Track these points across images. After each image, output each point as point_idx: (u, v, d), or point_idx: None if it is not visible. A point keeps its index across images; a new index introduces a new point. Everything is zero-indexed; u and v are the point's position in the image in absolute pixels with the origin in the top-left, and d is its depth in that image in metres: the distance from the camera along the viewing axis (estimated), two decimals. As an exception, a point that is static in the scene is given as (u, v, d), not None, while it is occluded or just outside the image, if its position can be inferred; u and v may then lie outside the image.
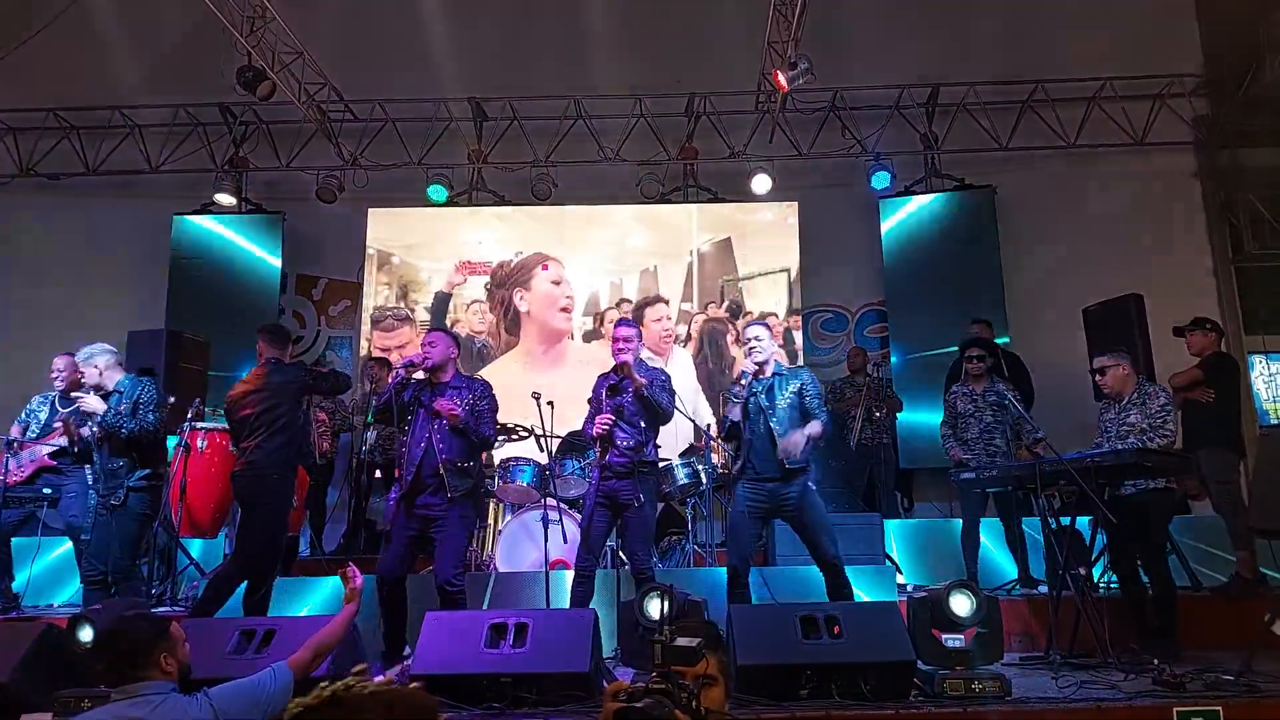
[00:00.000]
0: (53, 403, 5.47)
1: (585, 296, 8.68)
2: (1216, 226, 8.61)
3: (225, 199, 8.74)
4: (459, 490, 4.23)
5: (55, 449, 5.28)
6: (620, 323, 4.73)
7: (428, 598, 4.30)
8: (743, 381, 4.41)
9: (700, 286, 8.66)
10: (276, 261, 8.71)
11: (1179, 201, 8.62)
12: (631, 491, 4.40)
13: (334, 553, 6.91)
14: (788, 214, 8.65)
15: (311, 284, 9.15)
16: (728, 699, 1.96)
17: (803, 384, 4.42)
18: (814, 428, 4.28)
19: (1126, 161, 8.60)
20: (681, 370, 8.28)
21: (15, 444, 5.34)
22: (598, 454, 4.66)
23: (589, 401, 4.75)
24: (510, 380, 7.47)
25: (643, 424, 4.55)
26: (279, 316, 8.78)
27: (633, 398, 4.53)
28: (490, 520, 6.22)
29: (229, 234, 8.76)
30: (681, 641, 1.69)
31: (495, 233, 8.85)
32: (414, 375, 4.47)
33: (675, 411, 4.69)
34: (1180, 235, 8.50)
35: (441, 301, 8.71)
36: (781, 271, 8.61)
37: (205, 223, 8.79)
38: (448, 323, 8.51)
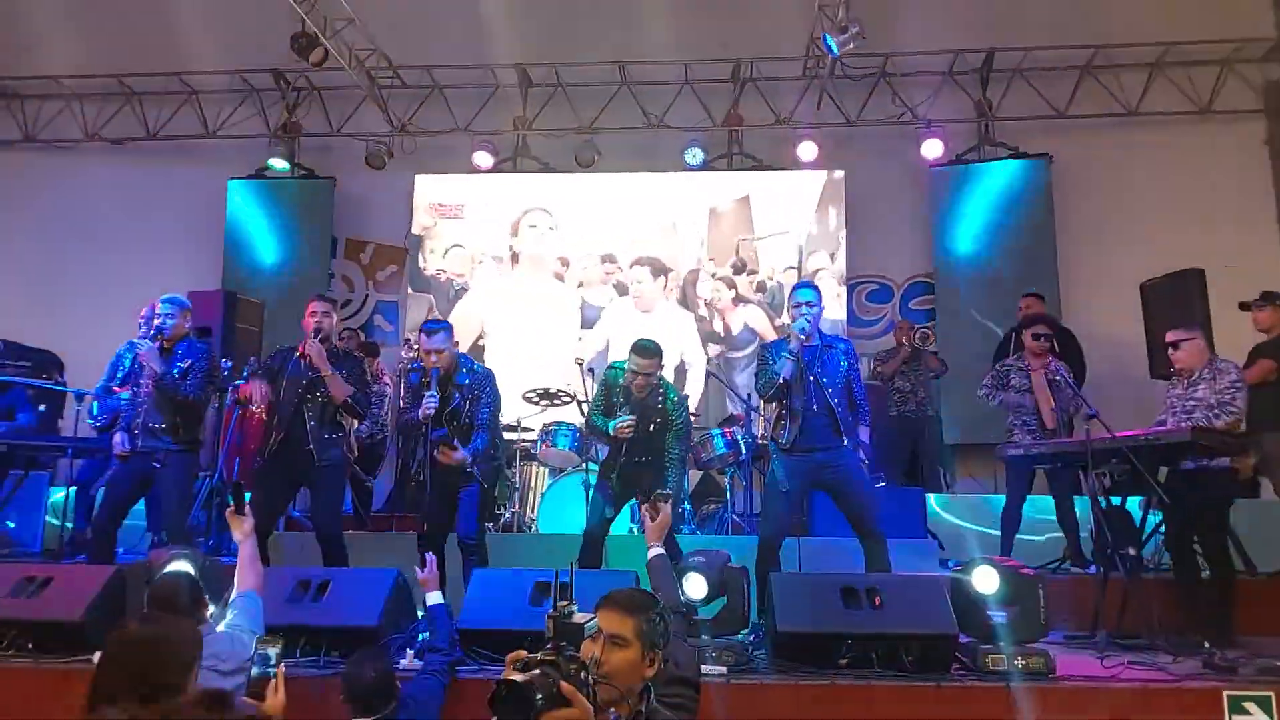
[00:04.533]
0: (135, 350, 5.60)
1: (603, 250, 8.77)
2: (1286, 197, 8.27)
3: (279, 164, 8.88)
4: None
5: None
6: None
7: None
8: (793, 346, 4.26)
9: (715, 245, 8.65)
10: (327, 225, 8.85)
11: (1245, 172, 8.27)
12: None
13: (379, 510, 7.09)
14: (811, 179, 8.56)
15: (360, 248, 9.28)
16: (651, 665, 1.98)
17: (851, 360, 4.38)
18: (864, 432, 4.36)
19: (1190, 130, 8.28)
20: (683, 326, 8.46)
21: (97, 394, 5.52)
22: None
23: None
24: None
25: None
26: (328, 280, 8.94)
27: None
28: (535, 482, 6.31)
29: (282, 198, 8.90)
30: (575, 617, 1.71)
31: (533, 197, 8.88)
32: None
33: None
34: (1246, 207, 8.18)
35: (413, 245, 8.84)
36: (791, 233, 8.55)
37: (259, 187, 8.94)
38: (420, 266, 8.76)
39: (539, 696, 1.50)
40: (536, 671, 1.56)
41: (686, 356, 8.36)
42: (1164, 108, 8.27)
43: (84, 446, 5.84)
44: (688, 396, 7.62)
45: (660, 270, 8.64)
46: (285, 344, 4.87)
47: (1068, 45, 8.23)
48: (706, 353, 8.41)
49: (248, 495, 3.15)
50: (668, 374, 5.29)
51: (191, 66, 8.90)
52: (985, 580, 3.59)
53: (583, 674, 1.62)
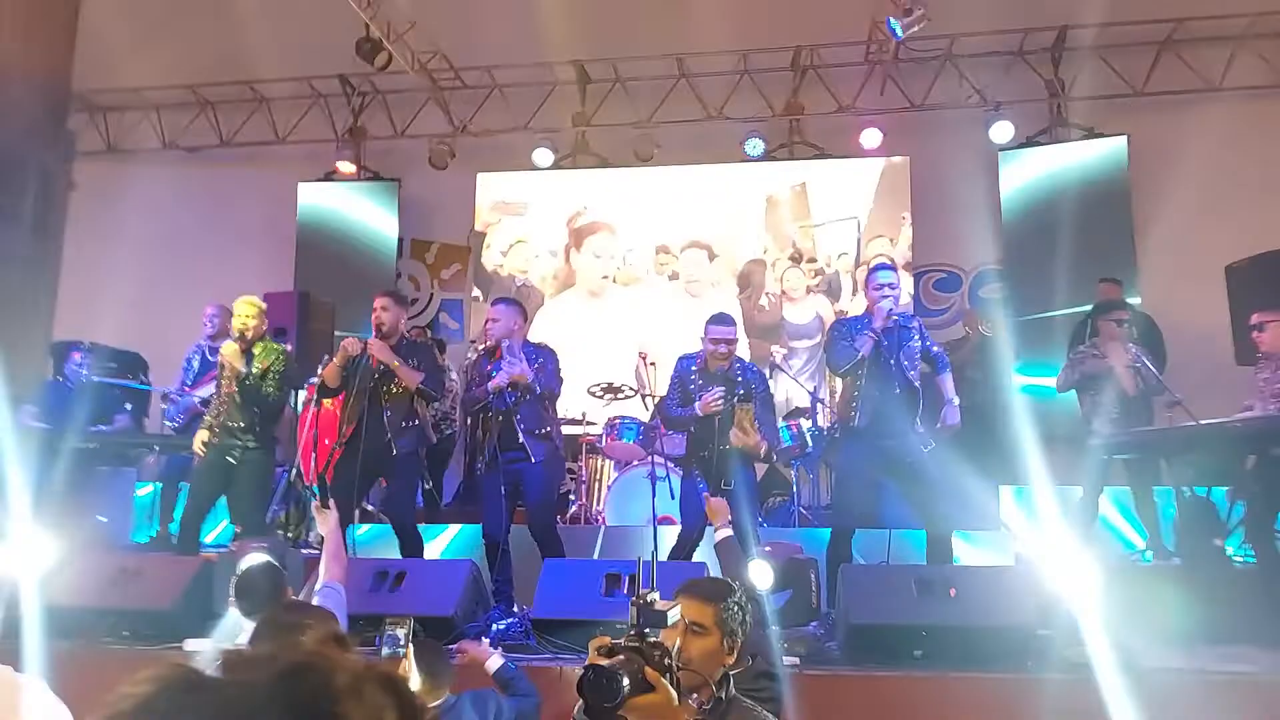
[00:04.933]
0: (204, 352, 5.84)
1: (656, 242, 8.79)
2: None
3: (346, 167, 9.12)
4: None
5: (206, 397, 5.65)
6: None
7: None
8: (878, 324, 4.20)
9: (775, 232, 8.56)
10: (393, 226, 9.05)
11: (1334, 146, 7.87)
12: None
13: (450, 504, 7.22)
14: (869, 165, 8.44)
15: (425, 248, 9.46)
16: (731, 653, 2.00)
17: (923, 337, 4.33)
18: (950, 389, 4.30)
19: (1275, 104, 7.90)
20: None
21: (174, 395, 5.75)
22: None
23: None
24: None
25: None
26: (395, 280, 9.15)
27: None
28: (600, 475, 6.36)
29: (349, 200, 9.14)
30: (658, 605, 1.72)
31: (592, 193, 8.94)
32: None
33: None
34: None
35: (476, 240, 8.91)
36: (851, 219, 8.38)
37: (328, 190, 9.20)
38: (484, 262, 8.86)
39: (625, 681, 1.52)
40: (621, 657, 1.58)
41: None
42: (1247, 82, 7.90)
43: (170, 443, 6.10)
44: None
45: (713, 255, 8.61)
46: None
47: (1146, 20, 7.92)
48: (751, 343, 8.36)
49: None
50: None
51: (261, 75, 9.18)
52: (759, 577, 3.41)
53: (666, 660, 1.64)
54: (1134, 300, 7.07)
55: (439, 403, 5.05)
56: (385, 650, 2.25)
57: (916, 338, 4.29)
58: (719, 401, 4.37)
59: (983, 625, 3.37)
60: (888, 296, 4.21)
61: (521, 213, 9.01)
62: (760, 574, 3.79)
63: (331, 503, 3.13)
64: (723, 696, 1.94)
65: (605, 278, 8.80)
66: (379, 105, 9.39)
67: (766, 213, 8.62)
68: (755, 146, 8.49)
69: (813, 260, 8.47)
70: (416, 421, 4.69)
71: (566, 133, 8.94)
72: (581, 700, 1.56)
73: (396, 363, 4.56)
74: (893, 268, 4.42)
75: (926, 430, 4.20)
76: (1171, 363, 6.34)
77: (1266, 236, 6.45)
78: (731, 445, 4.35)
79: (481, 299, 8.67)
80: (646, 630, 1.66)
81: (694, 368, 4.62)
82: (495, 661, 2.99)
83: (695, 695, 1.86)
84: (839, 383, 4.72)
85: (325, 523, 3.10)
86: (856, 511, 4.26)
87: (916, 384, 4.15)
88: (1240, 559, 4.58)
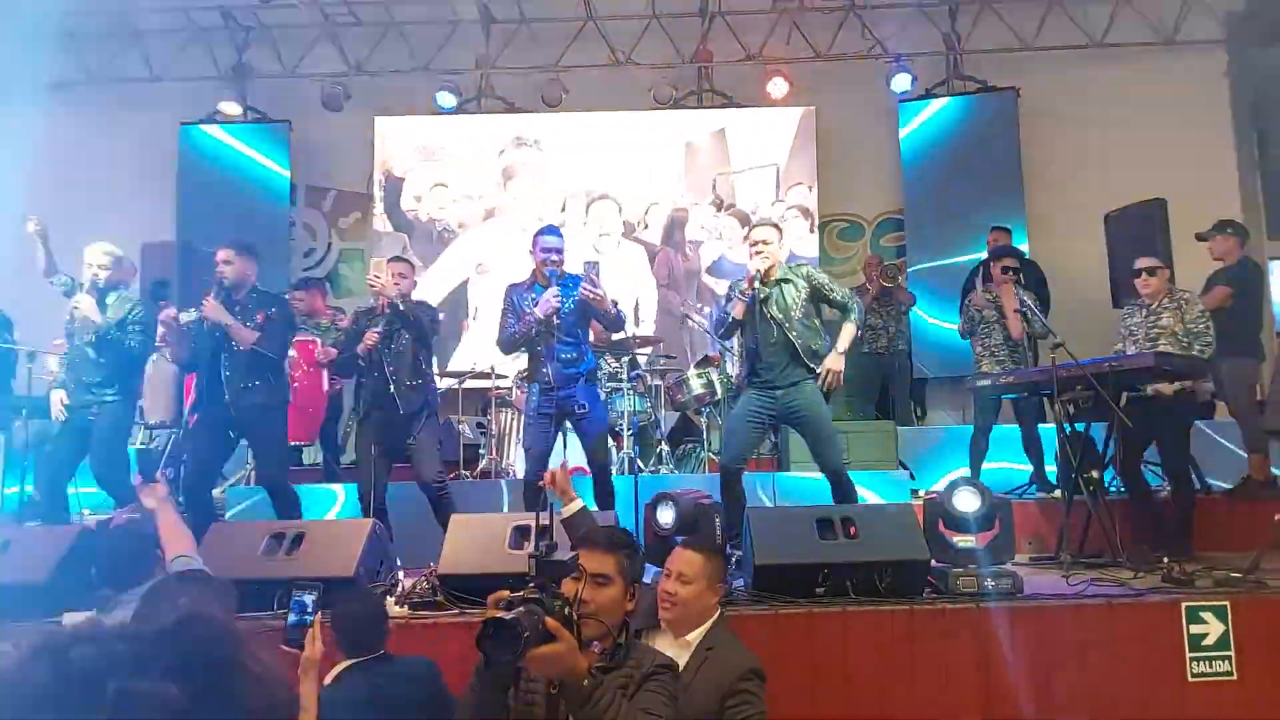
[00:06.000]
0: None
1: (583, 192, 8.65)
2: (1244, 129, 8.36)
3: (230, 108, 8.57)
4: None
5: None
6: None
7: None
8: (748, 285, 4.25)
9: (691, 180, 8.57)
10: (285, 172, 8.61)
11: (1207, 103, 8.33)
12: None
13: (352, 463, 7.05)
14: (787, 113, 8.49)
15: (321, 196, 9.05)
16: (631, 599, 2.07)
17: (816, 283, 4.32)
18: (844, 341, 4.28)
19: (1154, 61, 8.30)
20: (634, 261, 8.45)
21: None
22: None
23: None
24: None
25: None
26: (290, 229, 8.73)
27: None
28: (509, 429, 6.30)
29: (236, 144, 8.62)
30: (556, 556, 1.74)
31: (502, 139, 8.70)
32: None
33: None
34: (1206, 139, 8.25)
35: (393, 187, 8.67)
36: (770, 166, 8.48)
37: (212, 132, 8.65)
38: (401, 207, 8.64)
39: (525, 633, 1.52)
40: (521, 609, 1.57)
41: (640, 293, 8.34)
42: (1129, 39, 8.26)
43: (39, 407, 5.71)
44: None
45: (620, 207, 8.56)
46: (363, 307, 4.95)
47: (1036, -25, 8.17)
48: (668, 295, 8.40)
49: (163, 461, 3.02)
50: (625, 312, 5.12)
51: (132, 5, 8.50)
52: (966, 502, 3.67)
53: (566, 610, 1.64)
54: (1022, 247, 7.40)
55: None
56: (292, 617, 2.17)
57: (802, 288, 4.32)
58: (557, 297, 4.35)
59: (881, 560, 3.51)
60: (760, 254, 4.26)
61: (438, 158, 8.68)
62: (664, 515, 3.89)
63: (160, 475, 2.90)
64: (622, 641, 1.98)
65: (524, 230, 8.60)
66: (266, 41, 8.82)
67: (686, 160, 8.58)
68: (664, 93, 8.39)
69: (732, 206, 8.50)
70: (258, 382, 4.46)
71: (470, 76, 8.64)
72: (482, 655, 1.56)
73: (230, 322, 4.39)
74: (773, 224, 4.46)
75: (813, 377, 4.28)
76: (1055, 306, 6.70)
77: (1143, 187, 6.83)
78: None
79: (408, 247, 8.38)
80: (547, 581, 1.67)
81: (523, 286, 4.58)
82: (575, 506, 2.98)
83: (596, 643, 1.89)
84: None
85: (153, 498, 2.83)
86: (741, 451, 4.32)
87: (791, 338, 4.21)
88: (1116, 490, 4.93)
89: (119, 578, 2.59)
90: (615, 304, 4.66)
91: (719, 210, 8.54)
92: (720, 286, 8.38)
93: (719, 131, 8.58)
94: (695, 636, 2.46)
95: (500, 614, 1.56)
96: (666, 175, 8.58)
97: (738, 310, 4.26)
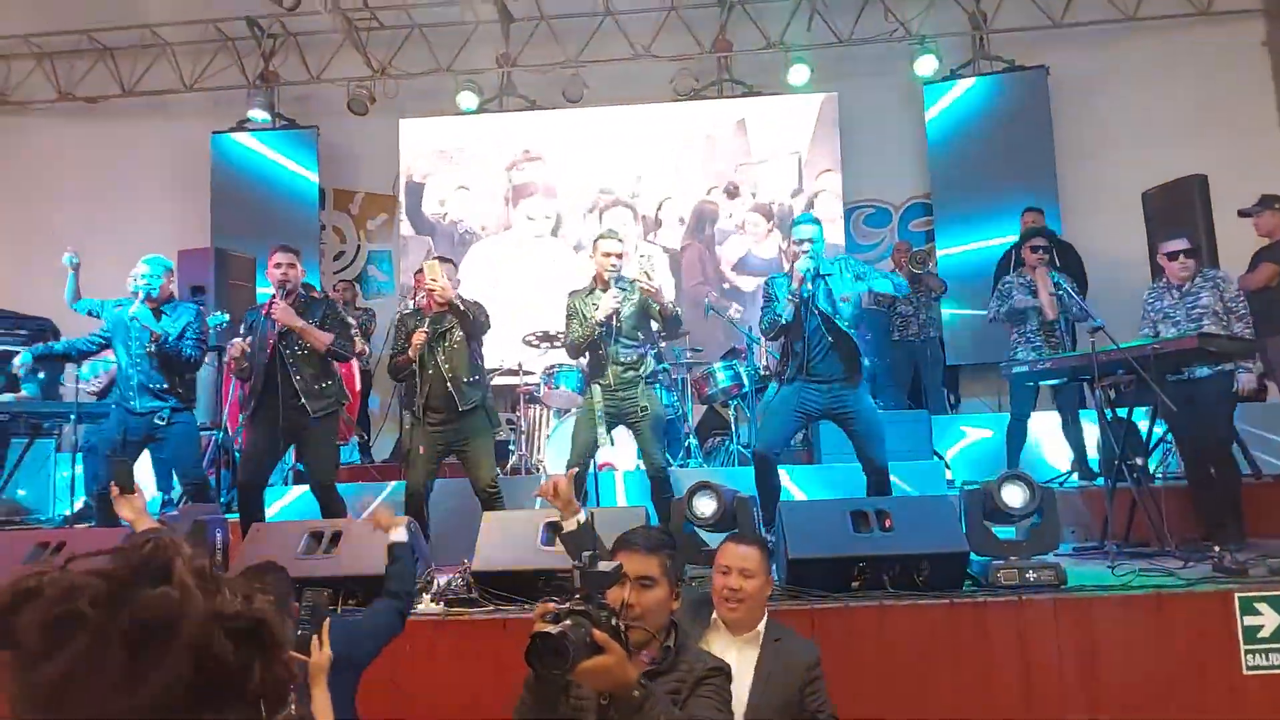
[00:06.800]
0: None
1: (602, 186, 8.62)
2: (1287, 99, 8.09)
3: (259, 115, 8.67)
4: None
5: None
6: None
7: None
8: (794, 287, 4.20)
9: (712, 172, 8.51)
10: (313, 176, 8.70)
11: (1245, 74, 8.05)
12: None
13: (387, 460, 7.12)
14: (808, 101, 8.38)
15: (348, 198, 9.13)
16: (676, 599, 2.03)
17: (856, 273, 4.30)
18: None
19: (1190, 33, 8.05)
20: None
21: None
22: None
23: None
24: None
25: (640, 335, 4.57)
26: (320, 232, 8.82)
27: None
28: (539, 425, 6.31)
29: (265, 150, 8.73)
30: (601, 566, 1.71)
31: (524, 137, 8.70)
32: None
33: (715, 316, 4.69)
34: (1247, 110, 7.98)
35: (414, 190, 8.69)
36: (792, 155, 8.39)
37: (242, 140, 8.76)
38: (424, 210, 8.66)
39: (572, 647, 1.51)
40: (568, 622, 1.56)
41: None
42: (1162, 10, 8.03)
43: (87, 412, 5.83)
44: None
45: (630, 209, 8.53)
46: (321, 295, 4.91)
47: (1064, -51, 7.97)
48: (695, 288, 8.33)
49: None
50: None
51: (162, 18, 8.63)
52: (1014, 495, 3.59)
53: (613, 620, 1.62)
54: (1055, 227, 7.23)
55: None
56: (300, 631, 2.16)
57: (847, 281, 4.27)
58: (616, 299, 4.36)
59: (918, 552, 3.45)
60: (807, 253, 4.21)
61: (459, 160, 8.72)
62: (705, 504, 3.85)
63: (137, 486, 2.84)
64: (670, 645, 1.95)
65: (538, 237, 8.63)
66: (291, 49, 8.91)
67: (705, 152, 8.52)
68: (685, 85, 8.34)
69: (754, 195, 8.42)
70: (330, 383, 4.48)
71: (491, 75, 8.65)
72: (530, 669, 1.55)
73: (302, 325, 4.38)
74: (813, 219, 4.40)
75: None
76: (1093, 289, 6.54)
77: (1181, 163, 6.63)
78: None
79: (433, 250, 8.41)
80: (592, 592, 1.64)
81: (584, 291, 4.60)
82: (401, 535, 2.82)
83: (645, 651, 1.87)
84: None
85: (129, 508, 2.73)
86: (777, 437, 4.30)
87: (843, 327, 4.16)
88: (1162, 476, 4.81)
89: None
90: (673, 304, 4.64)
91: (730, 198, 8.45)
92: (744, 282, 8.32)
93: (739, 122, 8.50)
94: (759, 630, 2.44)
95: (547, 627, 1.55)
96: (688, 168, 8.52)
97: (788, 313, 4.23)
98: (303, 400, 4.36)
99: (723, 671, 1.94)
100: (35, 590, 0.63)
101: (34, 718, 0.61)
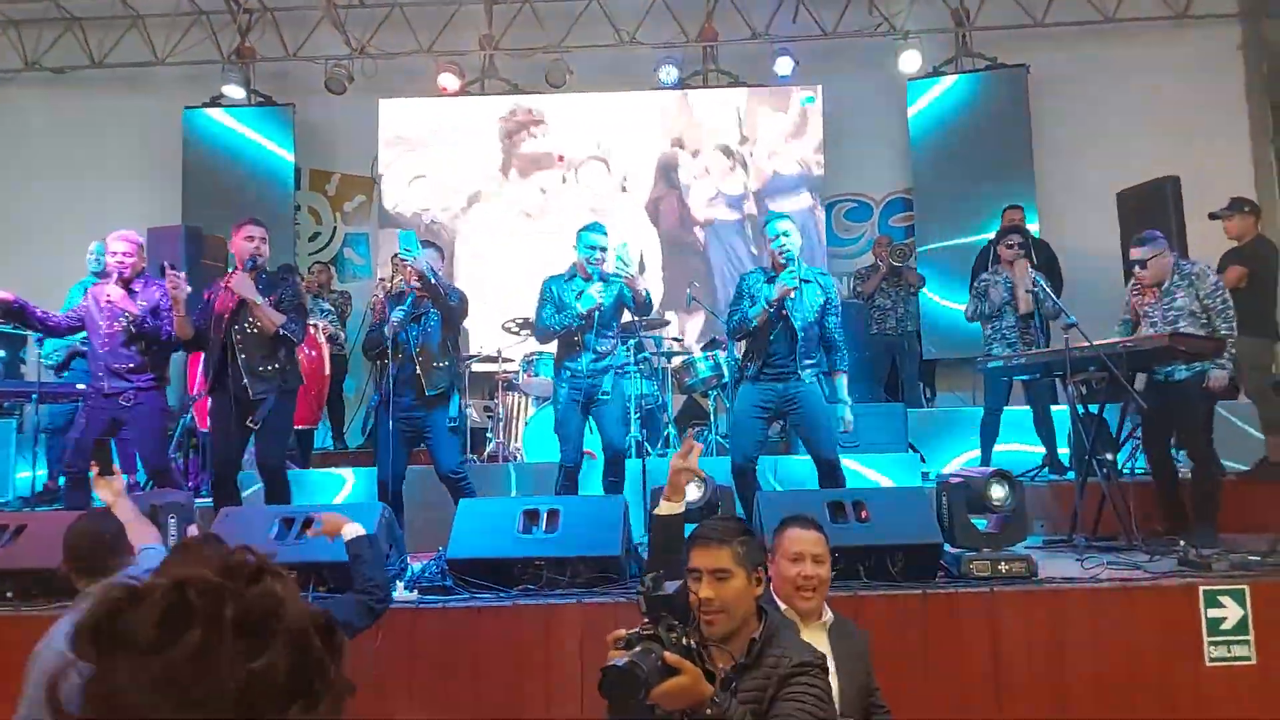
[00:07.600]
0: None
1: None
2: (1258, 104, 8.23)
3: (234, 91, 8.50)
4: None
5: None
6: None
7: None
8: (776, 294, 4.16)
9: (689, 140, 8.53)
10: (289, 156, 8.54)
11: (1220, 78, 8.19)
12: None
13: (360, 447, 7.05)
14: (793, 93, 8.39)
15: (325, 179, 9.00)
16: (758, 585, 1.97)
17: (828, 299, 4.29)
18: (844, 389, 4.37)
19: (1167, 36, 8.16)
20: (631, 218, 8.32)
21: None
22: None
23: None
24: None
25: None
26: (295, 213, 8.69)
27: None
28: (517, 412, 6.29)
29: (240, 127, 8.56)
30: (666, 588, 1.69)
31: (505, 123, 8.61)
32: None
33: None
34: (1220, 114, 8.12)
35: (388, 177, 8.58)
36: (773, 145, 8.40)
37: (216, 116, 8.59)
38: (388, 205, 8.50)
39: (643, 674, 1.50)
40: (638, 649, 1.55)
41: (645, 248, 8.27)
42: (1141, 13, 8.11)
43: (50, 391, 5.71)
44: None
45: (603, 162, 8.49)
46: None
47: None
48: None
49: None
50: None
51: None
52: (1000, 493, 3.62)
53: (684, 640, 1.61)
54: (1033, 227, 7.31)
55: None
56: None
57: (819, 295, 4.28)
58: (601, 294, 4.41)
59: (893, 543, 3.48)
60: (784, 251, 4.21)
61: (423, 146, 8.59)
62: (691, 490, 3.86)
63: (115, 469, 2.76)
64: (756, 638, 1.89)
65: (528, 215, 8.54)
66: (268, 24, 8.74)
67: (687, 133, 8.50)
68: (669, 74, 8.29)
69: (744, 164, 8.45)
70: (275, 365, 4.32)
71: (473, 57, 8.55)
72: (607, 702, 1.54)
73: (255, 299, 4.23)
74: (787, 216, 4.40)
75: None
76: (1067, 287, 6.62)
77: (1156, 164, 6.73)
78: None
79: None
80: (661, 614, 1.63)
81: (563, 277, 4.59)
82: (353, 530, 2.73)
83: (723, 666, 1.81)
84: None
85: (109, 490, 2.69)
86: (751, 448, 4.30)
87: (800, 337, 4.17)
88: (1130, 472, 4.88)
89: (90, 568, 2.43)
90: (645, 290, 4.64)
91: (694, 156, 8.46)
92: (722, 213, 8.36)
93: (722, 111, 8.47)
94: (829, 618, 2.35)
95: (618, 655, 1.54)
96: (649, 123, 8.49)
97: (760, 318, 4.21)
98: (244, 380, 4.24)
99: (815, 665, 1.85)
100: (141, 592, 0.67)
101: (148, 703, 0.63)
